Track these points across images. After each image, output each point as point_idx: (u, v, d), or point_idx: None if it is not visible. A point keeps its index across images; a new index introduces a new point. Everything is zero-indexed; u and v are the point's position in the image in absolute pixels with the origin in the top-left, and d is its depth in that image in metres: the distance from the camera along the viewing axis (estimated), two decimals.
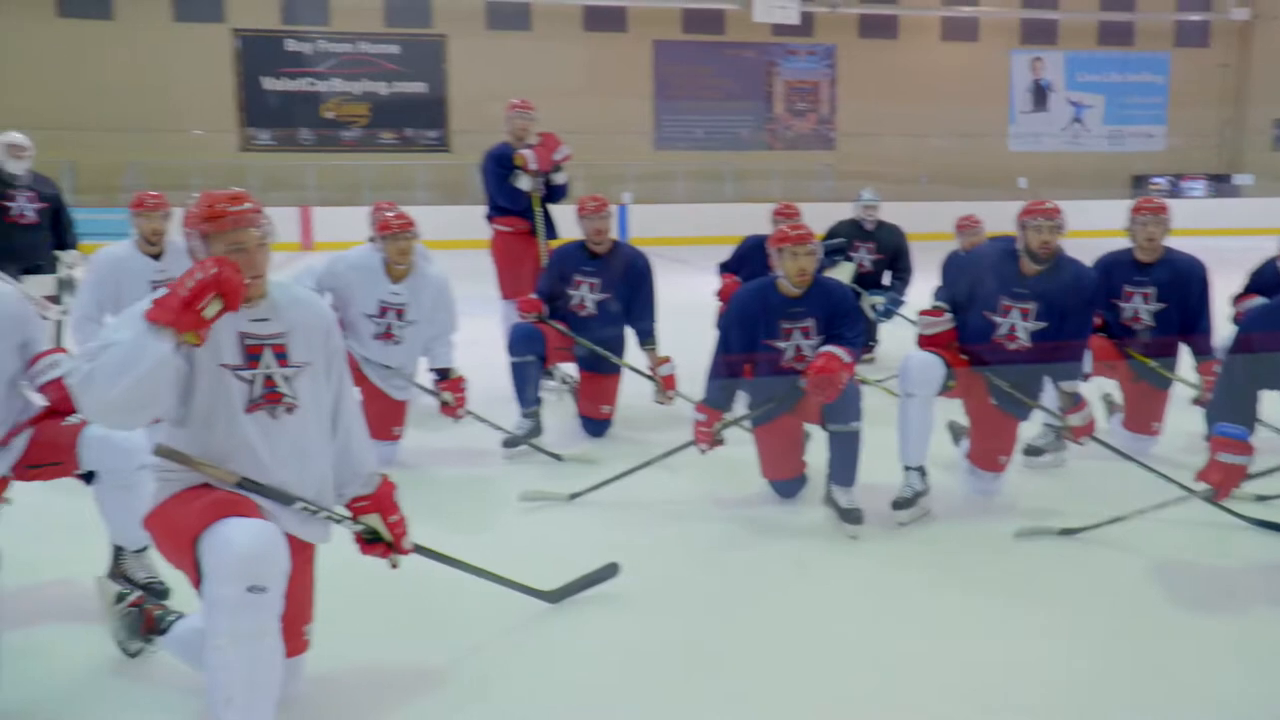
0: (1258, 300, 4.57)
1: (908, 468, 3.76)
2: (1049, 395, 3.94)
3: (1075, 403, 3.80)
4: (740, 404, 4.02)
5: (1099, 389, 4.83)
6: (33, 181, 5.82)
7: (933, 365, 3.73)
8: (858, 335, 3.76)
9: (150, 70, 18.34)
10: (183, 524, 2.13)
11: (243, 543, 2.04)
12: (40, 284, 5.76)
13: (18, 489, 3.18)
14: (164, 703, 2.41)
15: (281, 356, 2.32)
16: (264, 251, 2.29)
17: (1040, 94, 22.09)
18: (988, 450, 3.95)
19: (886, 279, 6.78)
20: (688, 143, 20.56)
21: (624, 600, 3.05)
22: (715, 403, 3.84)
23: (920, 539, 3.60)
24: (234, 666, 2.05)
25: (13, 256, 5.66)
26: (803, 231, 3.74)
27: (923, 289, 4.06)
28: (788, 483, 3.96)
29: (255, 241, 2.26)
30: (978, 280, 3.88)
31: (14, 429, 2.79)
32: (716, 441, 3.83)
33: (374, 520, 2.47)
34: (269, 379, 2.30)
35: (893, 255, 6.78)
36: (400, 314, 4.42)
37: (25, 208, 5.75)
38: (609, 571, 3.11)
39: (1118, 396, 4.78)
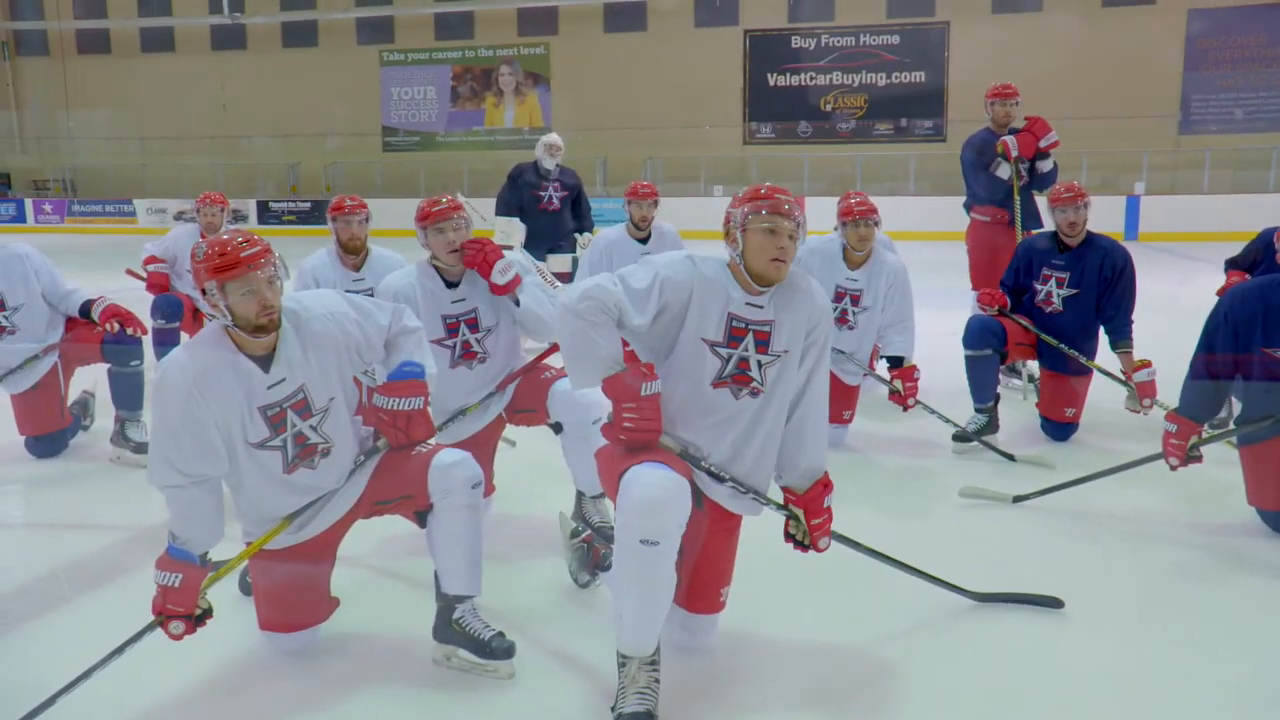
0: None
1: None
2: None
3: None
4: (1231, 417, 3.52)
5: None
6: (560, 174, 6.79)
7: None
8: None
9: (672, 73, 20.23)
10: (615, 462, 2.40)
11: (643, 496, 2.22)
12: (560, 261, 6.74)
13: (521, 435, 3.80)
14: (598, 627, 2.73)
15: (762, 344, 2.44)
16: (793, 244, 2.39)
17: None
18: None
19: None
20: (1222, 124, 17.97)
21: (1055, 613, 2.85)
22: (1191, 412, 3.39)
23: None
24: (627, 595, 2.28)
25: (540, 238, 6.71)
26: None
27: None
28: None
29: (787, 233, 2.38)
30: None
31: (509, 377, 3.33)
32: (1192, 458, 3.39)
33: (799, 513, 2.50)
34: (744, 361, 2.44)
35: None
36: (855, 300, 4.49)
37: (553, 196, 6.74)
38: (1051, 602, 2.88)
39: None
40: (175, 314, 5.57)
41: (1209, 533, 3.47)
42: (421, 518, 2.56)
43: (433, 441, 2.84)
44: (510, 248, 6.51)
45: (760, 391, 2.45)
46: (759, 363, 2.43)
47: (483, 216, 6.35)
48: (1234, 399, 4.04)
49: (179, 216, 19.81)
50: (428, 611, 2.60)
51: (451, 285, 3.31)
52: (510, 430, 3.64)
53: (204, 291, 2.37)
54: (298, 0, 22.88)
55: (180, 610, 2.28)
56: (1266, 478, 3.42)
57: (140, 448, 4.33)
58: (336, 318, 2.55)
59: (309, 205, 20.49)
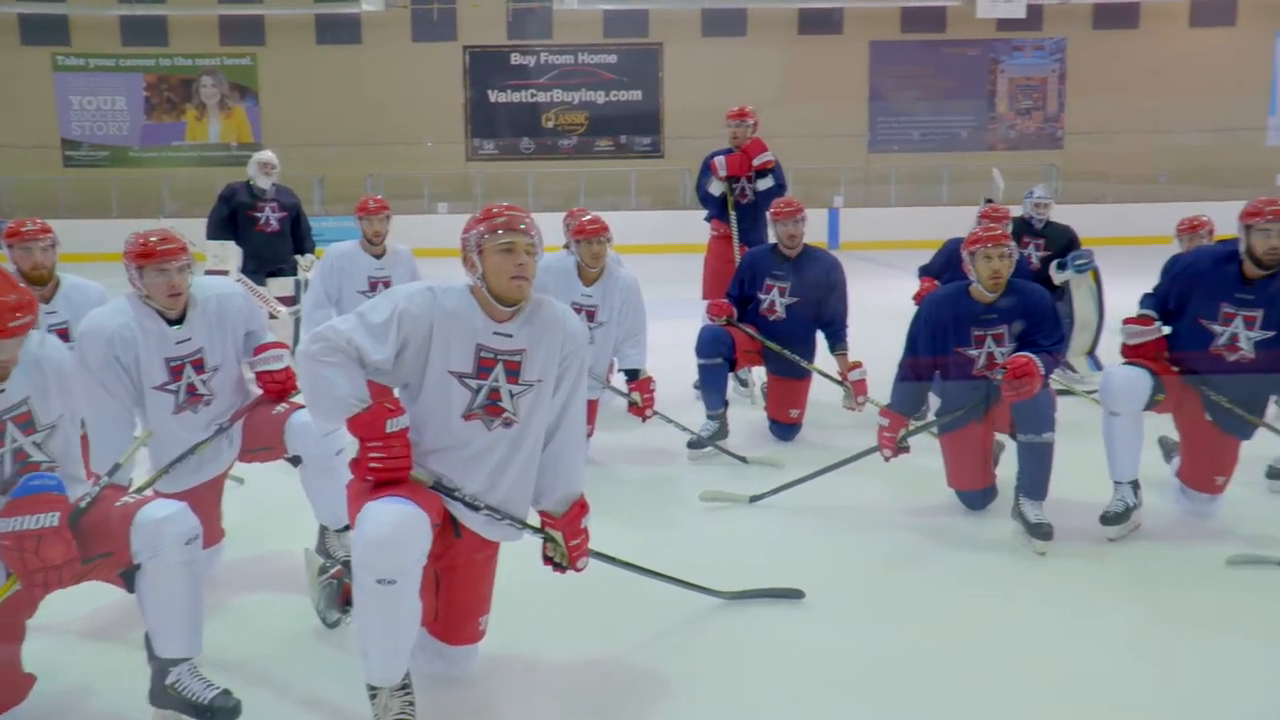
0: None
1: (1118, 482, 3.52)
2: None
3: None
4: (930, 410, 3.89)
5: None
6: (277, 194, 6.40)
7: (1138, 381, 3.46)
8: (1056, 343, 3.56)
9: (391, 88, 19.71)
10: (355, 499, 2.31)
11: (376, 534, 2.14)
12: (282, 285, 6.36)
13: (251, 472, 3.54)
14: (352, 667, 2.59)
15: (513, 374, 2.39)
16: (531, 259, 2.36)
17: None
18: (1202, 469, 3.64)
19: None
20: (903, 145, 19.98)
21: (797, 602, 3.03)
22: (900, 408, 3.74)
23: (1118, 560, 3.37)
24: (370, 631, 2.22)
25: (259, 261, 6.30)
26: (996, 233, 3.58)
27: (1133, 296, 3.81)
28: (975, 493, 3.80)
29: (524, 248, 2.34)
30: (1194, 286, 3.56)
31: (236, 413, 3.10)
32: (901, 449, 3.74)
33: (557, 535, 2.50)
34: (494, 392, 2.38)
35: (1063, 250, 6.28)
36: (591, 315, 4.56)
37: (270, 217, 6.34)
38: (792, 594, 3.06)
39: None
40: None
41: (920, 515, 3.83)
42: (129, 579, 2.29)
43: (149, 491, 2.59)
44: (225, 273, 6.08)
45: (514, 422, 2.41)
46: (510, 393, 2.40)
47: (191, 241, 5.90)
48: (932, 394, 4.48)
49: None
50: (146, 671, 2.36)
51: (173, 324, 2.99)
52: (238, 467, 3.39)
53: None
54: None
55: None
56: (961, 462, 3.82)
57: None
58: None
59: None
